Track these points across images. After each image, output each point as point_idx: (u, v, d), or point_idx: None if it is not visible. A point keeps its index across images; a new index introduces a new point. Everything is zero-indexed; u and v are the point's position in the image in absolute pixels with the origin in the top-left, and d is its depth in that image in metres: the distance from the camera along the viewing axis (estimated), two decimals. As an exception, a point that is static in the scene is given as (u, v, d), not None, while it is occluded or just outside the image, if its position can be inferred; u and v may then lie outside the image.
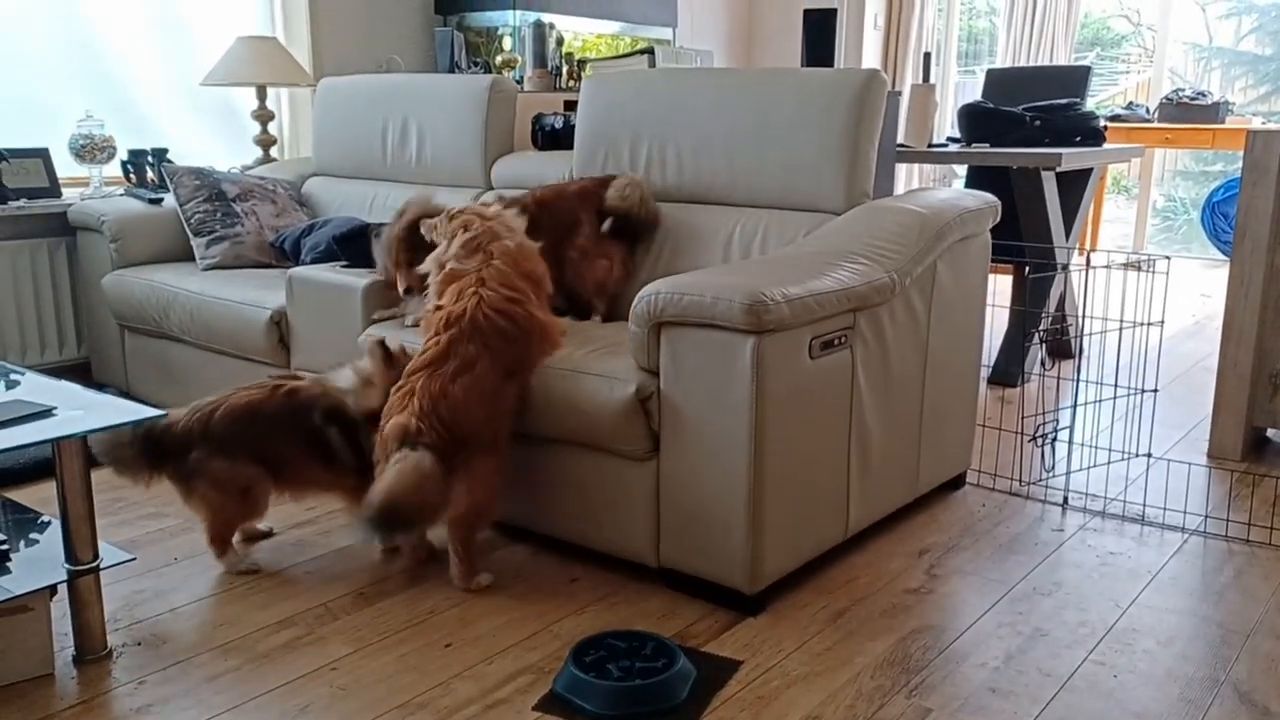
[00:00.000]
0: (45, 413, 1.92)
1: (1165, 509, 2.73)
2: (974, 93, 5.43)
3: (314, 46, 4.42)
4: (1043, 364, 4.08)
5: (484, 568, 2.33)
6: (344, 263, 3.02)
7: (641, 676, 1.85)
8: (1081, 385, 3.85)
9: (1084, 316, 3.02)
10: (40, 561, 1.95)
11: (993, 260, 2.84)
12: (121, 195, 3.73)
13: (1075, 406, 3.63)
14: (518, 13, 4.69)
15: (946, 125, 6.93)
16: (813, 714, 1.81)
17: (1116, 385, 3.21)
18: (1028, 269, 3.93)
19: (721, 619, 2.14)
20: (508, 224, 2.39)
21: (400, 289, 2.62)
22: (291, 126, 4.54)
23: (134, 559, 2.38)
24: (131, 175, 3.90)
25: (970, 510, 2.74)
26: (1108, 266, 2.96)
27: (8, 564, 1.93)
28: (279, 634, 2.09)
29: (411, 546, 2.40)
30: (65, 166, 3.75)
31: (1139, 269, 3.09)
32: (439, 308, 2.26)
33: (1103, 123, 3.96)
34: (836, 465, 2.29)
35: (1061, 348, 4.28)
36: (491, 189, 3.39)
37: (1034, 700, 1.86)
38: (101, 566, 1.95)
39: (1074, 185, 4.00)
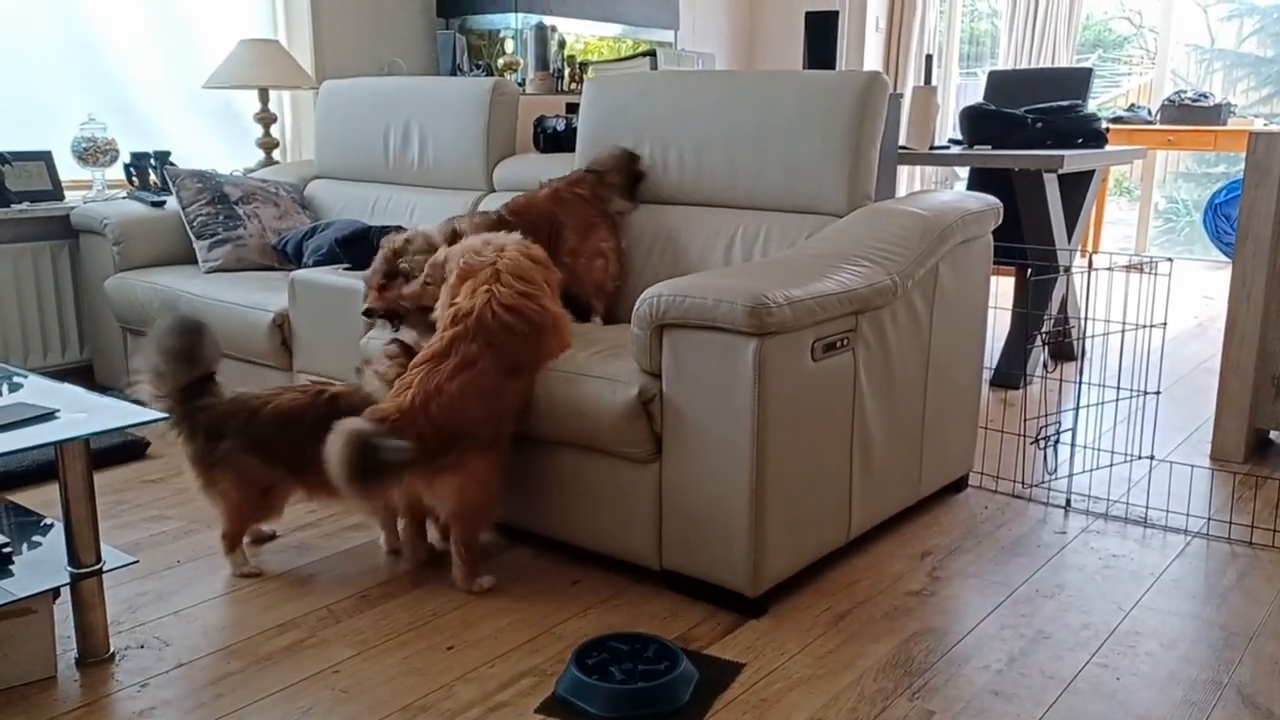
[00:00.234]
0: (48, 415, 1.93)
1: (1168, 511, 2.73)
2: (976, 95, 5.43)
3: (316, 49, 4.42)
4: (1045, 366, 4.08)
5: (486, 570, 2.33)
6: (346, 265, 3.02)
7: (644, 679, 1.85)
8: (1084, 387, 3.85)
9: (1086, 318, 3.02)
10: (43, 564, 1.95)
11: (995, 262, 2.84)
12: (124, 198, 3.73)
13: (1077, 409, 3.63)
14: (520, 15, 4.69)
15: (948, 127, 6.93)
16: (815, 717, 1.81)
17: (1119, 387, 3.21)
18: (1030, 271, 3.92)
19: (724, 621, 2.14)
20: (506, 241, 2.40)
21: (365, 305, 2.55)
22: (294, 129, 4.55)
23: (136, 562, 2.38)
24: (134, 178, 3.91)
25: (972, 513, 2.73)
26: (1110, 268, 2.96)
27: (10, 567, 1.93)
28: (281, 637, 2.09)
29: (413, 548, 2.40)
30: (68, 169, 3.75)
31: (1141, 271, 3.09)
32: (452, 303, 2.26)
33: (1105, 125, 3.96)
34: (839, 468, 2.29)
35: (1064, 350, 4.28)
36: (493, 191, 3.39)
37: (1037, 703, 1.86)
38: (104, 569, 1.95)
39: (1076, 187, 4.00)
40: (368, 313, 2.50)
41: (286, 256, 3.46)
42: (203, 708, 1.84)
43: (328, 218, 3.72)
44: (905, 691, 1.89)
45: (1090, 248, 6.43)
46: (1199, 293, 5.90)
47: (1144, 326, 2.88)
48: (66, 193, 3.74)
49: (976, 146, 3.92)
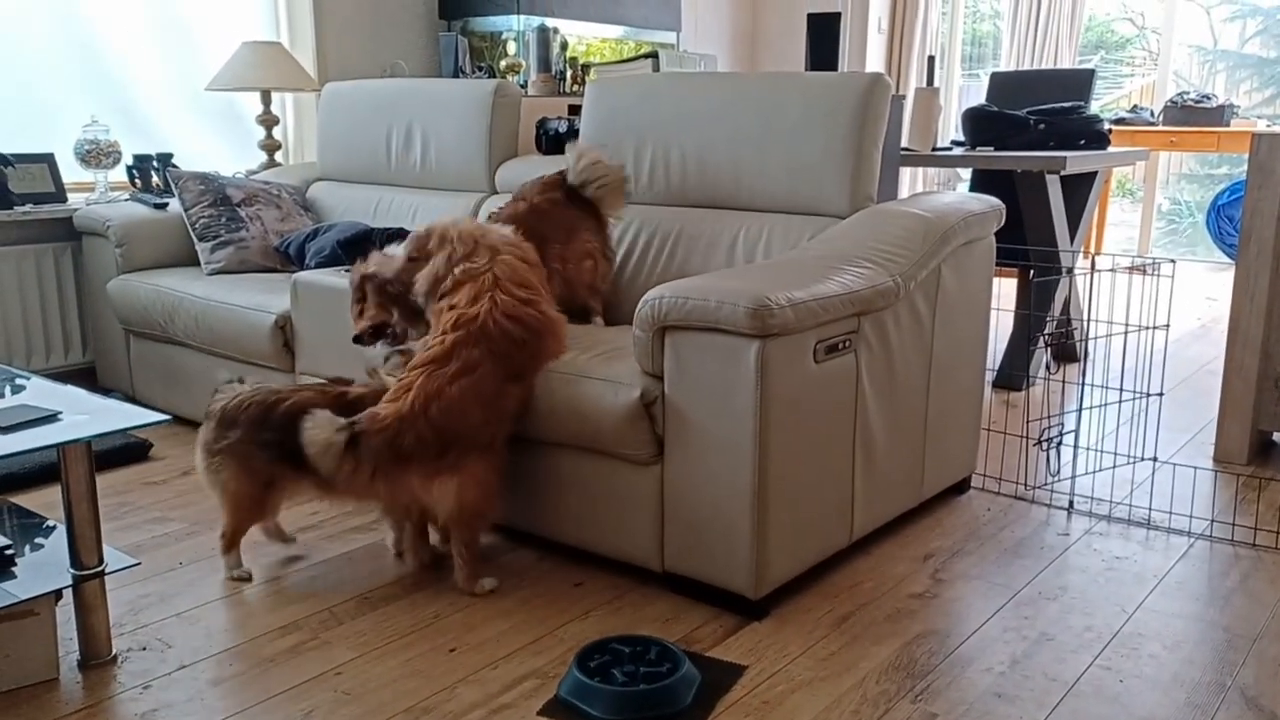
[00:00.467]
0: (50, 417, 1.93)
1: (1171, 513, 2.73)
2: (978, 96, 5.43)
3: (318, 51, 4.43)
4: (1048, 368, 4.07)
5: (488, 572, 2.33)
6: (348, 267, 3.02)
7: (646, 681, 1.84)
8: (1087, 389, 3.85)
9: (1089, 320, 3.02)
10: (45, 566, 1.95)
11: (997, 264, 2.84)
12: (127, 200, 3.74)
13: (1080, 410, 3.63)
14: (522, 17, 4.69)
15: (951, 129, 6.93)
16: (818, 719, 1.81)
17: (1122, 389, 3.21)
18: (1032, 272, 3.92)
19: (726, 624, 2.14)
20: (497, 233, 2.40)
21: (353, 335, 2.51)
22: (296, 131, 4.55)
23: (139, 564, 2.38)
24: (137, 180, 3.91)
25: (975, 514, 2.73)
26: (1112, 270, 2.96)
27: (13, 569, 1.93)
28: (283, 639, 2.09)
29: (415, 550, 2.40)
30: (71, 172, 3.76)
31: (1144, 272, 3.08)
32: (452, 306, 2.25)
33: (1107, 126, 3.95)
34: (841, 469, 2.29)
35: (1066, 351, 4.28)
36: (495, 193, 3.39)
37: (1040, 705, 1.85)
38: (106, 571, 1.96)
39: (1079, 188, 3.99)
40: (357, 339, 2.50)
41: (289, 258, 3.46)
42: (205, 709, 1.84)
43: (330, 220, 3.72)
44: (908, 694, 1.89)
45: (1093, 249, 6.43)
46: (1202, 294, 5.89)
47: (1147, 328, 2.88)
48: (69, 195, 3.74)
49: (979, 148, 3.91)
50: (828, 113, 2.61)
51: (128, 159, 3.89)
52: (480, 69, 4.77)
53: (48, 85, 3.82)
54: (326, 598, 2.26)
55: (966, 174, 6.09)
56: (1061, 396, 3.80)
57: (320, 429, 2.07)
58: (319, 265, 3.23)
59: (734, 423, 2.06)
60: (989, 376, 3.91)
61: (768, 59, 6.66)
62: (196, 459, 2.32)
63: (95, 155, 3.71)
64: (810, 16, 3.85)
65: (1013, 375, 3.90)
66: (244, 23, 4.32)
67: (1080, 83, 4.57)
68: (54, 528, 2.13)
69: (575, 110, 4.11)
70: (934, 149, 3.92)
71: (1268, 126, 6.45)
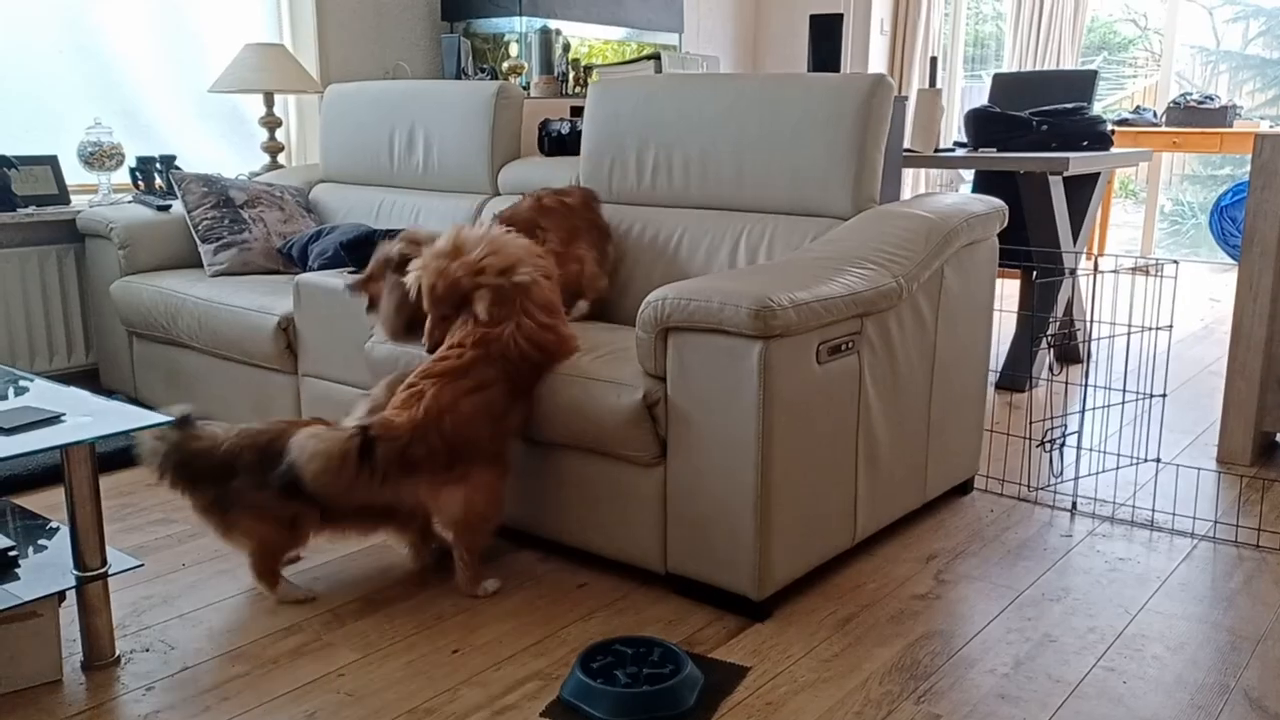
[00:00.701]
0: (54, 419, 1.93)
1: (1174, 514, 2.72)
2: (981, 97, 5.42)
3: (321, 53, 4.43)
4: (1051, 369, 4.07)
5: (490, 573, 2.33)
6: (351, 269, 3.02)
7: (649, 683, 1.84)
8: (1090, 390, 3.84)
9: (1092, 321, 3.01)
10: (49, 567, 1.95)
11: (1000, 265, 2.84)
12: (130, 202, 3.74)
13: (1083, 411, 3.62)
14: (524, 19, 4.70)
15: (953, 130, 6.93)
16: (821, 720, 1.81)
17: (1125, 390, 3.20)
18: (1035, 273, 3.92)
19: (729, 625, 2.14)
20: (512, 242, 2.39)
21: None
22: (299, 133, 4.56)
23: (142, 565, 2.39)
24: (140, 182, 3.92)
25: (978, 516, 2.73)
26: (1115, 271, 2.96)
27: (16, 570, 1.94)
28: (286, 640, 2.09)
29: (418, 550, 2.40)
30: (74, 173, 3.76)
31: (1147, 273, 3.08)
32: (477, 321, 2.24)
33: (1110, 127, 3.95)
34: (844, 471, 2.28)
35: (1069, 352, 4.27)
36: (498, 195, 3.39)
37: (1043, 706, 1.85)
38: (110, 572, 1.96)
39: (1081, 189, 3.99)
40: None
41: (291, 260, 3.46)
42: (208, 711, 1.84)
43: (333, 221, 3.73)
44: (911, 695, 1.88)
45: (1096, 250, 6.43)
46: (1205, 295, 5.89)
47: (1150, 329, 2.87)
48: (72, 197, 3.75)
49: (981, 149, 3.91)
50: (830, 114, 2.61)
51: (131, 161, 3.90)
52: (482, 71, 4.77)
53: (51, 87, 3.83)
54: (329, 599, 2.27)
55: (969, 175, 6.09)
56: (1064, 398, 3.80)
57: (327, 439, 2.02)
58: (322, 267, 3.23)
59: (737, 424, 2.06)
60: (992, 378, 3.90)
61: (770, 60, 6.66)
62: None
63: (98, 157, 3.71)
64: (813, 18, 3.85)
65: (1016, 376, 3.89)
66: (247, 25, 4.33)
67: (1083, 84, 4.57)
68: (57, 529, 2.13)
69: (577, 112, 4.10)
70: (936, 150, 3.92)
71: (1270, 127, 6.44)
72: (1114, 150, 3.95)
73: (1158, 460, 3.12)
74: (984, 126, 3.94)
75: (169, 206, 3.66)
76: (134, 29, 4.02)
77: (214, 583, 2.34)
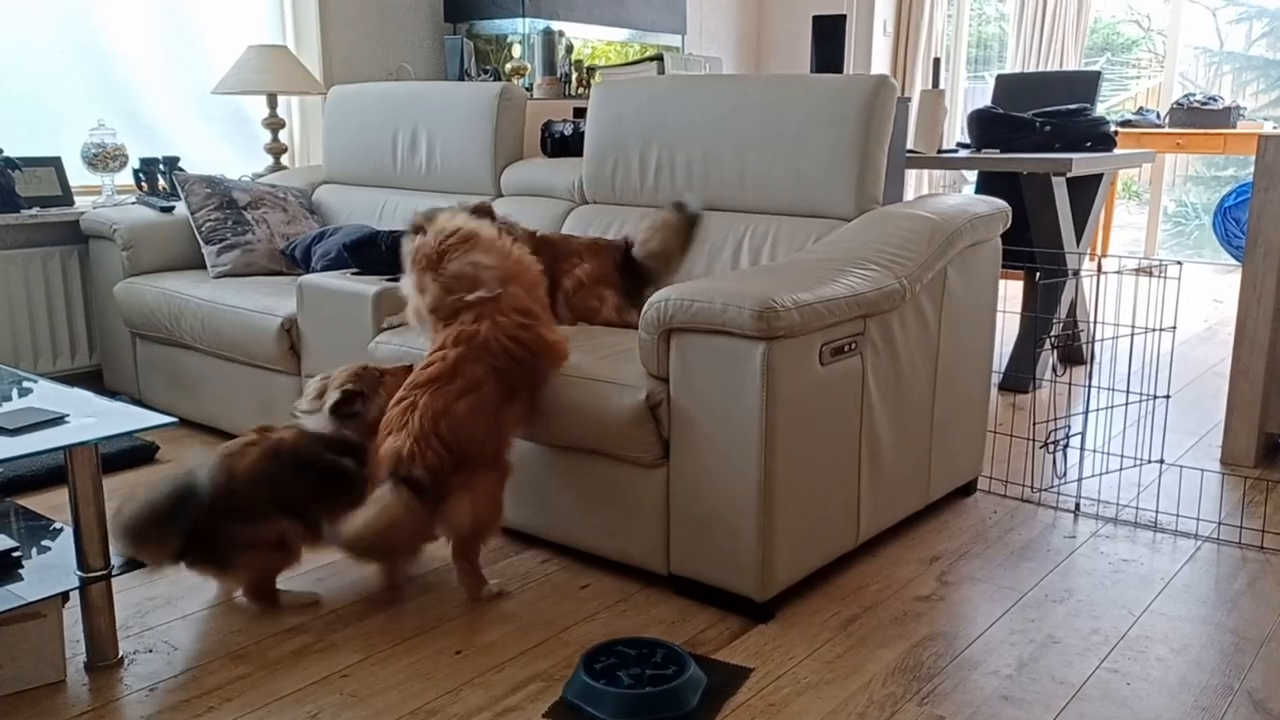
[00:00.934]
0: (57, 420, 1.93)
1: (1178, 515, 2.72)
2: (984, 98, 5.42)
3: (324, 54, 4.44)
4: (1054, 370, 4.06)
5: (493, 575, 2.33)
6: (354, 270, 3.03)
7: (652, 684, 1.84)
8: (1093, 391, 3.84)
9: (1095, 322, 3.01)
10: (52, 568, 1.96)
11: (1003, 266, 2.83)
12: (133, 203, 3.75)
13: (1087, 412, 3.62)
14: (527, 20, 4.70)
15: (956, 131, 6.92)
16: (824, 722, 1.81)
17: (1128, 391, 3.20)
18: (1038, 274, 3.91)
19: (732, 626, 2.14)
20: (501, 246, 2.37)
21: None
22: (302, 134, 4.56)
23: (145, 566, 2.39)
24: (143, 183, 3.92)
25: (981, 517, 2.73)
26: (1119, 272, 2.95)
27: (20, 571, 1.94)
28: (289, 641, 2.09)
29: (391, 570, 2.34)
30: (77, 175, 3.77)
31: (1150, 274, 3.08)
32: (448, 324, 2.24)
33: (1113, 128, 3.95)
34: (847, 472, 2.28)
35: (1073, 353, 4.27)
36: (500, 196, 3.40)
37: (1046, 708, 1.85)
38: (113, 573, 1.96)
39: (1085, 190, 3.99)
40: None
41: (295, 261, 3.47)
42: (211, 712, 1.84)
43: (336, 222, 3.73)
44: (914, 696, 1.88)
45: (1099, 251, 6.42)
46: (1209, 296, 5.88)
47: (1153, 330, 2.87)
48: (76, 198, 3.75)
49: (984, 150, 3.91)
50: (833, 115, 2.61)
51: (134, 162, 3.90)
52: (485, 72, 4.78)
53: (54, 89, 3.83)
54: (332, 600, 2.27)
55: (972, 176, 6.09)
56: (1068, 399, 3.79)
57: (375, 503, 2.00)
58: (325, 268, 3.23)
59: (739, 425, 2.06)
60: (995, 379, 3.90)
61: (773, 61, 6.66)
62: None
63: (102, 158, 3.72)
64: (815, 19, 3.85)
65: (1019, 377, 3.89)
66: (250, 26, 4.33)
67: (1086, 85, 4.56)
68: (61, 530, 2.13)
69: (580, 113, 4.11)
70: (939, 151, 3.92)
71: (1274, 128, 6.43)
72: (1117, 151, 3.95)
73: (1161, 462, 3.12)
74: (987, 127, 3.94)
75: (172, 208, 3.66)
76: (136, 30, 4.02)
77: (217, 584, 2.34)
